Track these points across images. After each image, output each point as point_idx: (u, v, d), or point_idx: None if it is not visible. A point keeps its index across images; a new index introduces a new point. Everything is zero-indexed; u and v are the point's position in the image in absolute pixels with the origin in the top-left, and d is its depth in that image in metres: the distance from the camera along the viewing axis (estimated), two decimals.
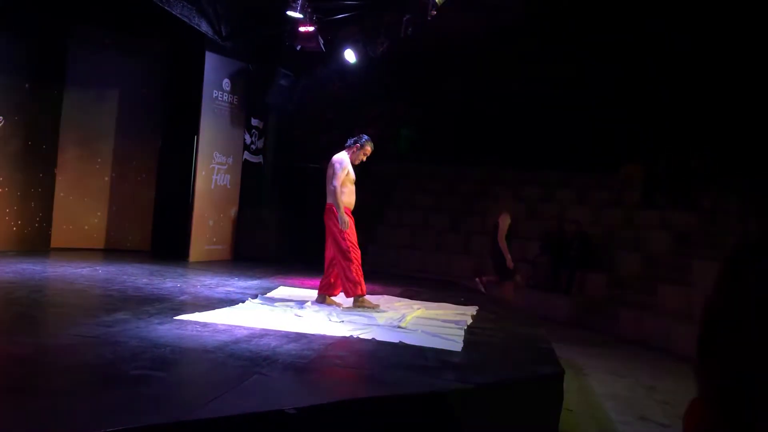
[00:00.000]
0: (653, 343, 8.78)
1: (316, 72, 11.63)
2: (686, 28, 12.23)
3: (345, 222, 6.55)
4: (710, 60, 12.28)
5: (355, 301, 6.63)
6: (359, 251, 6.72)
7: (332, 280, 6.81)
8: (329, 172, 6.68)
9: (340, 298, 6.91)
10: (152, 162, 11.13)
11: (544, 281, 11.20)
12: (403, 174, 15.08)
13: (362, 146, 6.80)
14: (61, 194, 10.37)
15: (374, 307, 6.59)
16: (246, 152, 11.40)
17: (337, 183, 6.55)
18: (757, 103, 11.59)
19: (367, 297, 6.72)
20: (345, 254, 6.59)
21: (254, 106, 11.44)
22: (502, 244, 8.81)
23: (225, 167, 10.73)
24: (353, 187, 6.80)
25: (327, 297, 6.84)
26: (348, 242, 6.61)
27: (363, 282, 6.63)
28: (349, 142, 6.86)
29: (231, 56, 10.69)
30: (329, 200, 6.66)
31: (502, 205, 9.39)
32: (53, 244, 10.14)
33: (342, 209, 6.54)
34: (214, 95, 10.41)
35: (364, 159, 6.90)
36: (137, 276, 7.94)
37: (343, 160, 6.70)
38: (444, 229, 13.24)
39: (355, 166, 6.85)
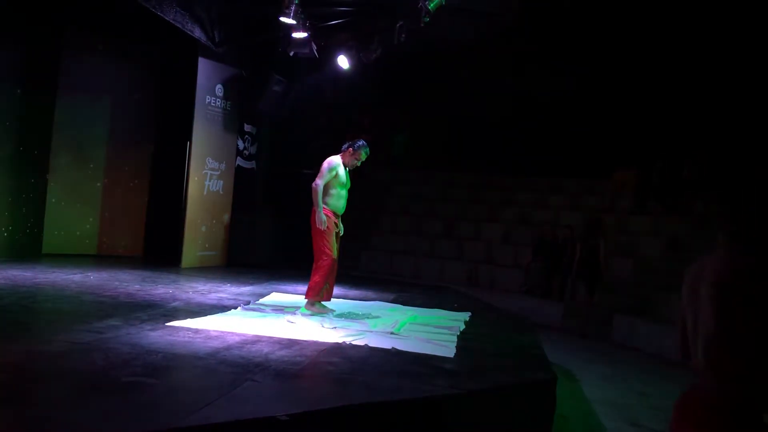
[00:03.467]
0: (646, 349, 8.80)
1: (310, 78, 11.63)
2: (678, 35, 12.31)
3: (322, 221, 6.48)
4: (703, 63, 12.35)
5: (307, 304, 6.60)
6: (330, 260, 6.59)
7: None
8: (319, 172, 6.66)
9: (331, 303, 6.89)
10: (145, 168, 11.09)
11: (536, 287, 11.21)
12: (397, 180, 15.10)
13: (356, 150, 6.75)
14: (53, 200, 10.31)
15: (324, 312, 6.57)
16: (239, 158, 11.38)
17: (320, 182, 6.51)
18: (749, 109, 11.67)
19: (324, 304, 6.67)
20: (317, 257, 6.57)
21: (247, 112, 11.43)
22: None
23: (218, 173, 10.71)
24: (343, 192, 6.73)
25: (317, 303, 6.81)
26: (323, 246, 6.55)
27: (322, 291, 6.59)
28: (345, 146, 6.83)
29: (224, 62, 10.67)
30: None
31: None
32: (45, 250, 10.07)
33: (321, 207, 6.48)
34: (207, 101, 10.40)
35: (358, 164, 6.86)
36: (129, 282, 7.91)
37: (332, 161, 6.65)
38: (437, 234, 13.26)
39: (351, 172, 6.84)
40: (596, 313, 9.56)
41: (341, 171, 6.68)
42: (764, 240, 2.13)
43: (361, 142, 6.81)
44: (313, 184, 6.55)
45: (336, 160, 6.69)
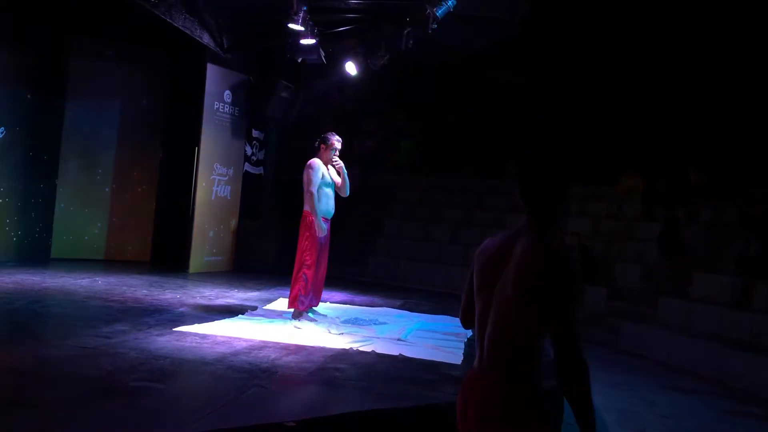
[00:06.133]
0: (653, 356, 8.75)
1: (317, 84, 11.66)
2: (685, 39, 12.29)
3: (322, 228, 6.48)
4: (710, 70, 12.32)
5: (294, 314, 6.54)
6: (312, 272, 6.55)
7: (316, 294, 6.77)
8: (304, 177, 6.57)
9: (337, 310, 6.89)
10: (153, 173, 11.13)
11: None
12: (403, 186, 15.09)
13: (327, 143, 6.65)
14: (62, 205, 10.37)
15: (314, 321, 6.52)
16: (247, 163, 11.41)
17: (314, 189, 6.47)
18: (756, 115, 11.62)
19: (306, 317, 6.57)
20: (299, 267, 6.51)
21: (255, 118, 11.46)
22: None
23: (226, 178, 10.75)
24: (331, 192, 6.67)
25: (312, 309, 6.79)
26: (306, 258, 6.49)
27: (306, 301, 6.54)
28: (315, 145, 6.74)
29: (232, 68, 10.72)
30: (305, 207, 6.58)
31: None
32: (53, 254, 10.13)
33: (319, 215, 6.45)
34: (216, 107, 10.44)
35: (337, 151, 6.71)
36: (137, 287, 7.94)
37: (314, 164, 6.56)
38: (444, 240, 13.24)
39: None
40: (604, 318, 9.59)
41: (326, 171, 6.63)
42: (555, 227, 2.20)
43: (327, 134, 6.73)
44: (307, 194, 6.49)
45: (317, 162, 6.60)
